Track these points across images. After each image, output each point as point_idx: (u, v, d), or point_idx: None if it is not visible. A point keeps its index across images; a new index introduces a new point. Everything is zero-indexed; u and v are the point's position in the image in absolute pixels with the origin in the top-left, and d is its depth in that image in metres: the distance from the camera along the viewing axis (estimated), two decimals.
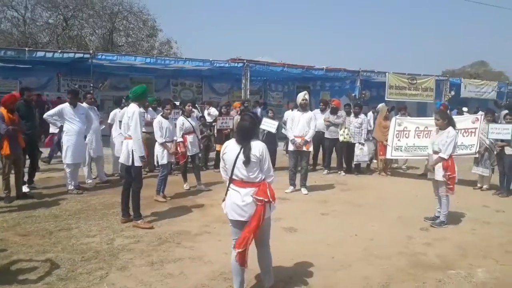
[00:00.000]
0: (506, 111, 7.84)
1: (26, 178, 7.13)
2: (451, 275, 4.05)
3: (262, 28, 77.53)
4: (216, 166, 9.55)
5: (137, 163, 5.32)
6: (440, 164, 5.53)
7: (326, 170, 9.66)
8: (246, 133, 3.37)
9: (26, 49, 13.93)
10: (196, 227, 5.36)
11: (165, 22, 56.03)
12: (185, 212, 6.12)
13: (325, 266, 4.20)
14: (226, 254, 4.13)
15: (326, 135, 9.50)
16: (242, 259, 3.27)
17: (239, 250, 3.23)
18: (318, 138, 9.10)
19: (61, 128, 7.21)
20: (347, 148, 9.46)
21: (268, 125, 8.67)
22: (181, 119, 7.54)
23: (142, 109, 5.71)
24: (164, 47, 27.48)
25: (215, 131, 9.91)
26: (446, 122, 5.64)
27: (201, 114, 10.34)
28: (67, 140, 6.98)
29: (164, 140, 6.77)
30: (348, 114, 9.54)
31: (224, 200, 3.49)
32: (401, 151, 9.25)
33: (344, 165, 9.71)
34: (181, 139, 7.43)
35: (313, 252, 4.54)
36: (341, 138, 9.35)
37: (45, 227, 5.18)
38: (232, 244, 3.47)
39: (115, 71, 16.45)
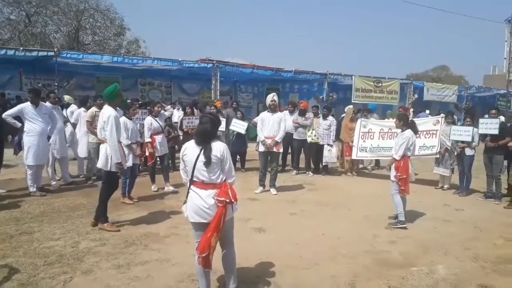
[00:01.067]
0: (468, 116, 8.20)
1: None
2: (414, 272, 4.20)
3: (232, 29, 77.62)
4: None
5: (113, 168, 5.17)
6: (393, 165, 5.75)
7: (295, 171, 9.78)
8: (206, 135, 3.35)
9: None
10: (164, 229, 5.30)
11: (133, 21, 55.08)
12: (153, 214, 6.04)
13: (293, 265, 4.26)
14: (194, 256, 4.07)
15: (295, 136, 9.63)
16: (206, 262, 3.24)
17: (202, 255, 3.21)
18: (287, 139, 9.21)
19: (21, 128, 6.93)
20: (315, 149, 9.62)
21: (238, 126, 8.69)
22: (149, 119, 7.44)
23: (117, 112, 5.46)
24: (132, 46, 27.00)
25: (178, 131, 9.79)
26: (401, 123, 5.85)
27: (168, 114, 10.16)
28: (28, 141, 6.73)
29: (129, 142, 6.63)
30: (316, 115, 9.70)
31: (185, 202, 3.46)
32: (366, 151, 9.51)
33: (312, 166, 9.86)
34: (149, 140, 7.33)
35: (282, 252, 4.59)
36: (309, 139, 9.49)
37: (5, 231, 4.98)
38: (195, 246, 3.44)
39: (81, 70, 15.98)
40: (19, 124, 6.89)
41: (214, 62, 14.64)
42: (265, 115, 7.67)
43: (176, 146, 9.64)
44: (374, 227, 5.68)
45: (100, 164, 5.32)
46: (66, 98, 9.85)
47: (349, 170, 9.95)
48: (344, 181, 9.24)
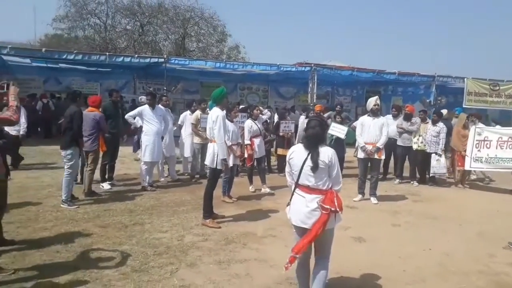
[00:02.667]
0: None
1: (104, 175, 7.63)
2: None
3: (330, 32, 76.35)
4: (280, 170, 9.54)
5: (219, 166, 5.46)
6: None
7: (398, 180, 9.20)
8: (315, 138, 3.28)
9: (107, 54, 15.06)
10: (261, 230, 5.37)
11: (234, 27, 57.41)
12: (251, 214, 6.17)
13: (396, 279, 4.00)
14: None
15: (399, 143, 9.06)
16: (293, 262, 3.20)
17: (295, 255, 3.15)
18: (390, 146, 8.69)
19: (140, 128, 7.63)
20: (422, 157, 8.94)
21: (337, 130, 8.46)
22: (249, 122, 7.64)
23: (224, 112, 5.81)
24: (232, 52, 28.15)
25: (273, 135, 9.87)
26: None
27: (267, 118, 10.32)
28: (146, 140, 7.37)
29: (230, 143, 6.87)
30: (423, 121, 9.03)
31: (288, 204, 3.43)
32: (481, 162, 8.57)
33: (418, 175, 9.20)
34: (248, 142, 7.52)
35: (383, 264, 4.34)
36: (414, 146, 8.86)
37: (121, 221, 5.50)
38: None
39: (186, 75, 17.16)
40: (139, 124, 7.59)
41: (312, 65, 14.55)
42: (365, 119, 7.34)
43: (272, 149, 9.78)
44: (489, 246, 5.08)
45: (207, 161, 5.69)
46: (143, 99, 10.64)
47: (460, 182, 9.06)
48: (454, 193, 8.44)
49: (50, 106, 15.22)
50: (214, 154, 5.49)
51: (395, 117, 9.34)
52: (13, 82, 3.75)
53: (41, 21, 54.34)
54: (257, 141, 7.69)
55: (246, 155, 7.71)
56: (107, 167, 7.57)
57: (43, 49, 14.10)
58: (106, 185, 7.37)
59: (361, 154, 7.28)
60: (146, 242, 4.71)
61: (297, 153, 3.33)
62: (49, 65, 15.87)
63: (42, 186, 7.35)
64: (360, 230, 5.49)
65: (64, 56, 13.45)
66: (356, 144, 7.43)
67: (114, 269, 3.92)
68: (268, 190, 7.62)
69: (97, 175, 7.27)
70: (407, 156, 9.18)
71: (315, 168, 3.17)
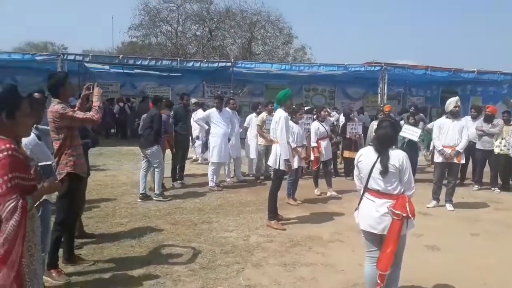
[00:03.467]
0: None
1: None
2: None
3: (401, 29, 72.99)
4: (347, 173, 9.28)
5: (282, 166, 5.46)
6: None
7: (477, 186, 8.51)
8: (386, 140, 3.13)
9: (178, 59, 15.75)
10: (327, 234, 5.25)
11: (300, 28, 57.20)
12: (316, 217, 6.06)
13: None
14: (361, 265, 3.93)
15: (478, 146, 8.37)
16: (383, 280, 3.06)
17: (384, 273, 3.02)
18: (468, 149, 8.02)
19: (208, 130, 7.88)
20: (504, 162, 8.18)
21: (410, 132, 8.03)
22: (316, 124, 7.53)
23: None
24: (298, 54, 28.08)
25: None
26: None
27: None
28: (214, 141, 7.61)
29: (295, 145, 6.81)
30: (507, 123, 8.26)
31: (357, 209, 3.32)
32: None
33: (500, 181, 8.44)
34: (315, 144, 7.40)
35: (460, 275, 4.04)
36: (496, 150, 8.13)
37: (190, 219, 5.69)
38: (366, 256, 3.30)
39: (252, 78, 17.41)
40: (207, 127, 7.84)
41: (382, 64, 14.00)
42: (443, 121, 6.88)
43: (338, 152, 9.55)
44: None
45: (270, 162, 5.76)
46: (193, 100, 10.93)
47: None
48: None
49: (126, 110, 16.29)
50: (276, 154, 5.50)
51: (474, 118, 8.66)
52: (97, 83, 4.01)
53: (118, 30, 58.51)
54: (323, 143, 7.56)
55: (312, 158, 7.61)
56: (178, 167, 7.90)
57: (120, 56, 15.12)
58: (177, 184, 7.71)
59: (438, 158, 6.83)
60: (213, 241, 4.83)
61: (366, 156, 3.21)
62: (125, 70, 17.00)
63: (118, 184, 7.85)
64: (434, 238, 5.15)
65: (139, 62, 14.34)
66: (431, 148, 6.99)
67: (183, 265, 4.06)
68: (334, 193, 7.44)
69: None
70: (487, 161, 8.46)
71: (384, 172, 3.04)
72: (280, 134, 5.42)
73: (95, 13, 70.50)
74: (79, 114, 3.64)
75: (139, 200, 6.58)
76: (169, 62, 14.99)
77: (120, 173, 9.01)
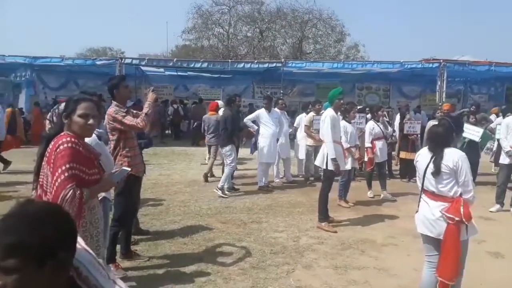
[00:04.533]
0: None
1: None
2: None
3: (460, 23, 68.84)
4: (403, 175, 8.92)
5: (330, 166, 5.38)
6: None
7: None
8: (438, 140, 3.00)
9: (229, 61, 16.02)
10: (381, 237, 5.07)
11: (353, 25, 55.84)
12: (369, 220, 5.87)
13: None
14: (415, 270, 3.78)
15: None
16: None
17: (448, 282, 2.87)
18: None
19: (257, 131, 7.92)
20: None
21: (470, 132, 7.56)
22: (371, 124, 7.31)
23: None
24: (351, 51, 27.47)
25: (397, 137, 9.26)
26: None
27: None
28: (263, 142, 7.64)
29: (348, 145, 6.66)
30: None
31: (417, 211, 3.20)
32: None
33: None
34: (369, 145, 7.19)
35: None
36: None
37: (240, 218, 5.75)
38: (425, 260, 3.15)
39: (302, 78, 17.30)
40: (256, 127, 7.88)
41: (441, 61, 13.31)
42: (511, 120, 6.42)
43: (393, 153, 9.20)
44: None
45: (317, 161, 5.69)
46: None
47: None
48: None
49: (180, 111, 16.82)
50: (324, 154, 5.41)
51: None
52: (153, 88, 4.13)
53: (172, 34, 60.70)
54: (379, 144, 7.31)
55: (366, 159, 7.39)
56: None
57: (174, 59, 15.66)
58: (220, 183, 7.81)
59: (505, 160, 6.38)
60: (263, 240, 4.84)
61: (422, 156, 3.13)
62: (179, 73, 17.56)
63: (172, 183, 8.11)
64: (498, 244, 4.82)
65: (192, 65, 14.76)
66: (494, 149, 6.54)
67: (234, 264, 4.11)
68: (388, 196, 7.17)
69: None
70: None
71: (436, 172, 2.91)
72: (326, 132, 5.34)
73: (150, 19, 73.58)
74: (127, 120, 3.75)
75: (214, 190, 7.09)
76: (221, 64, 15.31)
77: (174, 172, 9.30)
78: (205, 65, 14.76)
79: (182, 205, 6.37)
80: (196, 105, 15.84)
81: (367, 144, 7.22)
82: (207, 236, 4.94)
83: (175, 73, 17.79)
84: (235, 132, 7.32)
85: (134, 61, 14.73)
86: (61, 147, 2.27)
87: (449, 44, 59.08)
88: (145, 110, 3.86)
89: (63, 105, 3.28)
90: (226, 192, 7.07)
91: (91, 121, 2.41)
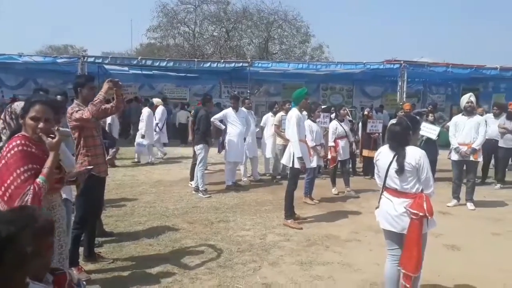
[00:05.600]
0: None
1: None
2: None
3: (421, 26, 71.54)
4: (366, 172, 9.19)
5: (296, 164, 5.46)
6: None
7: (499, 185, 8.31)
8: (398, 138, 3.10)
9: (195, 60, 15.88)
10: (345, 233, 5.22)
11: (317, 27, 56.70)
12: (333, 216, 6.02)
13: None
14: (378, 264, 3.92)
15: (501, 144, 8.18)
16: (409, 281, 3.03)
17: (413, 274, 2.99)
18: (491, 147, 7.90)
19: (224, 130, 7.93)
20: None
21: (428, 130, 7.89)
22: (334, 123, 7.48)
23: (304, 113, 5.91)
24: (315, 52, 27.88)
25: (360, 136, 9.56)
26: None
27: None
28: (230, 141, 7.67)
29: (314, 144, 6.80)
30: None
31: (377, 207, 3.30)
32: None
33: None
34: (332, 144, 7.37)
35: (480, 276, 3.95)
36: None
37: (207, 217, 5.74)
38: (387, 254, 3.27)
39: (269, 78, 17.42)
40: (223, 127, 7.89)
41: (401, 62, 13.80)
42: (459, 118, 6.77)
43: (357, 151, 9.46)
44: None
45: (283, 160, 5.76)
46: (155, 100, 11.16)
47: None
48: None
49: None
50: (290, 153, 5.49)
51: (496, 116, 8.46)
52: (110, 79, 3.99)
53: (137, 32, 59.43)
54: (342, 143, 7.51)
55: (329, 157, 7.58)
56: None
57: (139, 58, 15.33)
58: (194, 183, 7.75)
59: (455, 156, 6.72)
60: (230, 239, 4.86)
61: (383, 155, 3.21)
62: (143, 72, 17.23)
63: (137, 183, 7.98)
64: (454, 237, 5.06)
65: (157, 64, 14.52)
66: (451, 146, 6.87)
67: (201, 264, 4.10)
68: (352, 192, 7.38)
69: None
70: (510, 159, 8.25)
71: (400, 171, 3.01)
72: (291, 132, 5.42)
73: (114, 16, 71.73)
74: (77, 114, 3.67)
75: (193, 192, 7.17)
76: (187, 63, 15.15)
77: (139, 173, 9.15)
78: (170, 64, 14.54)
79: (147, 206, 6.28)
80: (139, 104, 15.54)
81: (330, 143, 7.43)
82: (173, 237, 4.90)
83: (140, 72, 17.44)
84: (209, 132, 7.32)
85: (97, 60, 14.34)
86: (12, 151, 2.25)
87: (410, 45, 61.36)
88: (95, 100, 3.73)
89: (15, 104, 3.19)
90: (200, 192, 7.05)
91: (41, 125, 2.36)
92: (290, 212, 5.54)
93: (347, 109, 8.55)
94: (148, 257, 4.27)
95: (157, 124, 10.95)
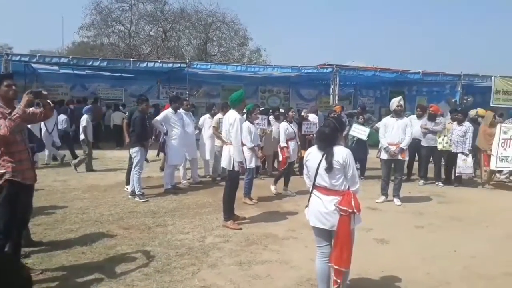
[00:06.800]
0: None
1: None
2: None
3: (353, 33, 75.36)
4: (301, 172, 9.48)
5: (236, 168, 5.49)
6: None
7: (422, 181, 9.01)
8: (326, 139, 3.27)
9: (131, 60, 15.38)
10: (282, 232, 5.36)
11: (255, 30, 57.52)
12: (272, 216, 6.16)
13: (420, 281, 3.93)
14: (313, 260, 4.05)
15: (423, 143, 8.88)
16: (340, 276, 3.16)
17: (344, 270, 3.13)
18: (414, 146, 8.51)
19: (166, 132, 7.76)
20: (447, 158, 8.75)
21: (358, 131, 8.37)
22: (285, 124, 7.62)
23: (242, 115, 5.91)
24: (254, 55, 28.28)
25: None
26: None
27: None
28: (170, 143, 7.52)
29: (253, 145, 6.89)
30: (460, 122, 8.62)
31: (307, 206, 3.43)
32: (507, 161, 8.31)
33: (443, 176, 8.99)
34: (285, 144, 7.48)
35: (406, 266, 4.26)
36: (439, 147, 8.67)
37: (144, 222, 5.59)
38: (317, 252, 3.40)
39: (208, 79, 17.36)
40: (165, 129, 7.64)
41: (334, 66, 14.44)
42: (388, 120, 7.24)
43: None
44: None
45: (224, 163, 5.72)
46: None
47: (487, 182, 8.81)
48: (481, 194, 8.20)
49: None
50: (230, 156, 5.52)
51: (419, 117, 9.17)
52: (31, 90, 3.62)
53: (69, 30, 56.16)
54: (292, 144, 7.67)
55: (280, 158, 7.69)
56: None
57: (70, 57, 14.53)
58: (130, 187, 7.51)
59: (384, 155, 7.17)
60: (168, 244, 4.78)
61: (312, 155, 3.34)
62: (75, 71, 16.36)
63: (68, 189, 7.57)
64: (383, 231, 5.40)
65: (90, 63, 13.86)
66: (379, 145, 7.32)
67: (137, 270, 3.99)
68: (289, 192, 7.59)
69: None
70: (431, 157, 8.98)
71: (329, 168, 3.17)
72: (235, 136, 5.41)
73: (43, 13, 67.06)
74: None
75: (130, 196, 6.96)
76: (122, 63, 14.62)
77: (71, 178, 8.68)
78: (104, 63, 13.94)
79: (80, 213, 5.98)
80: (92, 105, 14.87)
81: (283, 143, 7.49)
82: (108, 244, 4.72)
83: (71, 72, 16.52)
84: (144, 134, 7.11)
85: (23, 58, 13.39)
86: None
87: (344, 50, 64.30)
88: (14, 114, 3.42)
89: None
90: (137, 197, 6.87)
91: None
92: (229, 213, 5.57)
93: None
94: (81, 266, 4.07)
95: (46, 127, 10.28)
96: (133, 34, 24.95)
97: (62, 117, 11.48)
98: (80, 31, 24.09)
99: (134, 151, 6.97)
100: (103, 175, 9.08)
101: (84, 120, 9.51)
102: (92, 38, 25.17)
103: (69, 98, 16.67)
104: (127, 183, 7.56)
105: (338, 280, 3.17)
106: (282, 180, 7.73)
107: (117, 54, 23.30)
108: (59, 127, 11.16)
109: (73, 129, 12.12)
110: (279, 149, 7.64)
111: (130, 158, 7.33)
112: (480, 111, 9.84)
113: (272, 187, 7.72)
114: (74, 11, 62.56)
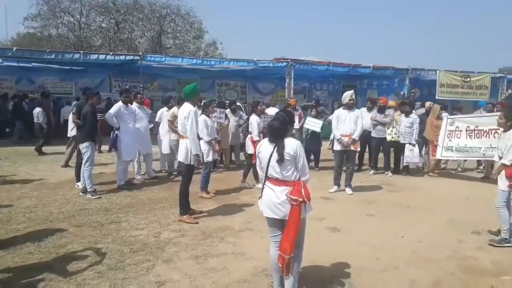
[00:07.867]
0: None
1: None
2: (506, 282, 3.81)
3: (307, 27, 76.66)
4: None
5: (193, 161, 5.46)
6: (503, 172, 4.81)
7: (373, 171, 9.40)
8: (277, 132, 3.34)
9: (81, 52, 14.78)
10: (239, 224, 5.41)
11: (211, 24, 56.93)
12: (228, 208, 6.19)
13: (370, 267, 4.09)
14: (268, 251, 4.10)
15: (373, 134, 9.25)
16: (285, 265, 3.21)
17: (286, 256, 3.18)
18: (365, 138, 8.86)
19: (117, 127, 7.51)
20: (396, 148, 9.18)
21: (312, 124, 8.56)
22: (256, 118, 7.57)
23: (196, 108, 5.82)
24: (209, 49, 28.07)
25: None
26: (510, 123, 4.90)
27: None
28: (122, 138, 7.29)
29: (209, 138, 6.88)
30: (407, 114, 9.05)
31: (260, 197, 3.49)
32: (452, 151, 8.84)
33: (392, 166, 9.42)
34: (258, 138, 7.37)
35: (357, 253, 4.44)
36: (388, 138, 9.07)
37: (96, 220, 5.43)
38: (271, 241, 3.47)
39: (163, 72, 17.05)
40: (118, 124, 7.34)
41: (289, 60, 14.64)
42: (341, 112, 7.46)
43: None
44: (459, 232, 5.24)
45: (180, 157, 5.64)
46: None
47: (432, 171, 9.34)
48: (426, 182, 8.67)
49: (23, 106, 14.83)
50: (187, 150, 5.47)
51: (369, 109, 9.52)
52: None
53: (13, 20, 52.96)
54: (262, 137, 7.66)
55: (252, 151, 7.65)
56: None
57: (14, 49, 13.72)
58: (81, 184, 7.24)
59: (337, 146, 7.38)
60: (122, 240, 4.68)
61: (264, 147, 3.40)
62: (21, 64, 15.50)
63: (15, 187, 7.20)
64: (335, 220, 5.58)
65: (37, 55, 13.16)
66: (331, 137, 7.53)
67: (89, 268, 3.89)
68: (246, 184, 7.63)
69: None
70: (381, 147, 9.37)
71: (281, 160, 3.24)
72: (190, 129, 5.37)
73: None
74: None
75: (81, 193, 6.75)
76: (71, 55, 14.00)
77: (17, 176, 8.24)
78: (52, 55, 13.28)
79: (27, 211, 5.71)
80: (41, 99, 14.17)
81: (256, 137, 7.40)
82: (57, 242, 4.54)
83: (16, 64, 15.62)
84: (95, 129, 6.90)
85: None
86: None
87: (299, 45, 65.25)
88: None
89: None
90: (89, 193, 6.65)
91: None
92: (185, 208, 5.53)
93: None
94: (28, 267, 3.90)
95: None
96: (84, 26, 23.99)
97: (37, 109, 11.25)
98: (25, 21, 22.85)
99: (84, 146, 6.72)
100: (52, 172, 8.71)
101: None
102: (39, 29, 23.95)
103: (14, 92, 15.75)
104: (77, 179, 7.28)
105: (280, 265, 3.24)
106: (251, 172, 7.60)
107: (67, 46, 22.32)
108: (35, 120, 11.14)
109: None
110: (250, 142, 7.56)
111: (79, 153, 7.07)
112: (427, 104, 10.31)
113: (243, 180, 7.64)
114: (19, 0, 58.85)
